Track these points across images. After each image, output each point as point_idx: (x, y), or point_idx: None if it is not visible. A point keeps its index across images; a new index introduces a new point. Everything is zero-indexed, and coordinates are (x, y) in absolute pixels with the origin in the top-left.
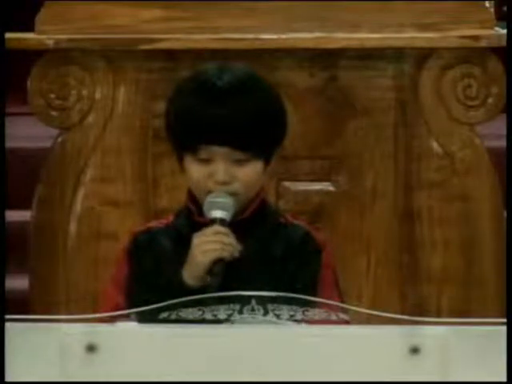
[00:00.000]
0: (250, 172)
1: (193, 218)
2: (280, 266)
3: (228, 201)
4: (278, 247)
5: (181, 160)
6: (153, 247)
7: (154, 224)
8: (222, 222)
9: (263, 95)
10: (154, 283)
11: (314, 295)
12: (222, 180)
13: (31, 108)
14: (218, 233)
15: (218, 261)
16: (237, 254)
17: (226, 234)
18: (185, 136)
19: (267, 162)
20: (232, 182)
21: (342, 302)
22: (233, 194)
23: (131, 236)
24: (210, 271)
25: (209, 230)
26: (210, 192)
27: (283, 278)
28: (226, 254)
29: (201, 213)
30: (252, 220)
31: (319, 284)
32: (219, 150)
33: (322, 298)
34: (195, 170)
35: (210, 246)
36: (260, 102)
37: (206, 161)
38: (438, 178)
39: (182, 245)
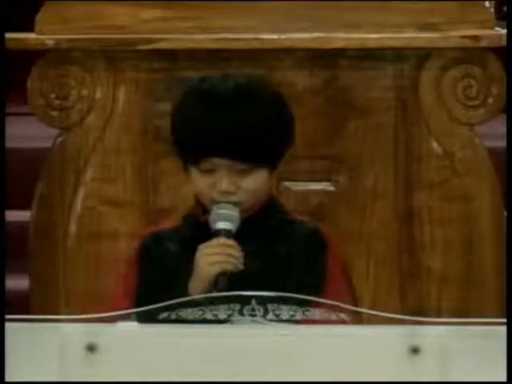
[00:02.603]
0: (254, 181)
1: (198, 220)
2: (287, 262)
3: (234, 212)
4: (285, 244)
5: (186, 169)
6: (160, 250)
7: (163, 226)
8: (227, 233)
9: (266, 107)
10: (161, 290)
11: (322, 290)
12: (225, 190)
13: (31, 108)
14: (223, 245)
15: (223, 274)
16: (241, 267)
17: (232, 246)
18: (187, 148)
19: (272, 168)
20: (236, 191)
21: (353, 294)
22: (237, 204)
23: (141, 238)
24: (214, 284)
25: (214, 242)
26: (214, 201)
27: (291, 275)
28: (230, 268)
29: (205, 213)
30: (258, 217)
31: (327, 278)
32: (221, 162)
33: (330, 292)
34: (199, 180)
35: (215, 258)
36: (262, 113)
37: (210, 171)
38: (438, 178)
39: (189, 247)
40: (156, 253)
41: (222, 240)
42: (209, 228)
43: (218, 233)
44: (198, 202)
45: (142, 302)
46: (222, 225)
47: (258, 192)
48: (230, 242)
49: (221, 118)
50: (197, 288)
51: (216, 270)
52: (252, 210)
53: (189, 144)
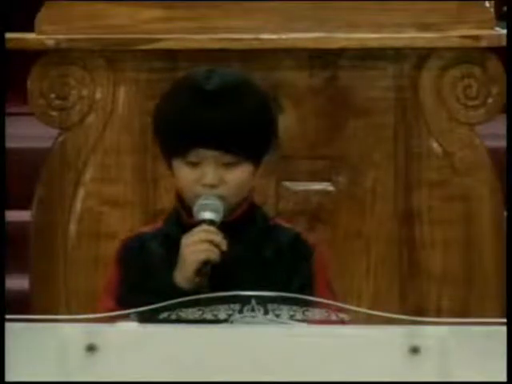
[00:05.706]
0: (238, 175)
1: (182, 221)
2: (270, 269)
3: (218, 203)
4: (268, 250)
5: (169, 163)
6: (143, 253)
7: (144, 229)
8: (211, 223)
9: (252, 100)
10: (145, 288)
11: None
12: (211, 183)
13: (31, 108)
14: (206, 232)
15: (206, 261)
16: (224, 249)
17: (215, 232)
18: (174, 139)
19: (256, 165)
20: (220, 185)
21: (337, 302)
22: (220, 198)
23: (121, 242)
24: (198, 271)
25: (197, 230)
26: (198, 196)
27: (274, 281)
28: (213, 256)
29: (190, 215)
30: (240, 222)
31: (313, 286)
32: (208, 153)
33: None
34: (184, 174)
35: (199, 246)
36: (248, 106)
37: (195, 164)
38: (438, 177)
39: (173, 248)
40: (138, 255)
41: (205, 227)
42: (193, 227)
43: (202, 222)
44: (181, 200)
45: (126, 304)
46: (205, 215)
47: (241, 188)
48: (213, 228)
49: (209, 108)
50: (182, 277)
51: (200, 257)
52: (234, 214)
53: (177, 134)
